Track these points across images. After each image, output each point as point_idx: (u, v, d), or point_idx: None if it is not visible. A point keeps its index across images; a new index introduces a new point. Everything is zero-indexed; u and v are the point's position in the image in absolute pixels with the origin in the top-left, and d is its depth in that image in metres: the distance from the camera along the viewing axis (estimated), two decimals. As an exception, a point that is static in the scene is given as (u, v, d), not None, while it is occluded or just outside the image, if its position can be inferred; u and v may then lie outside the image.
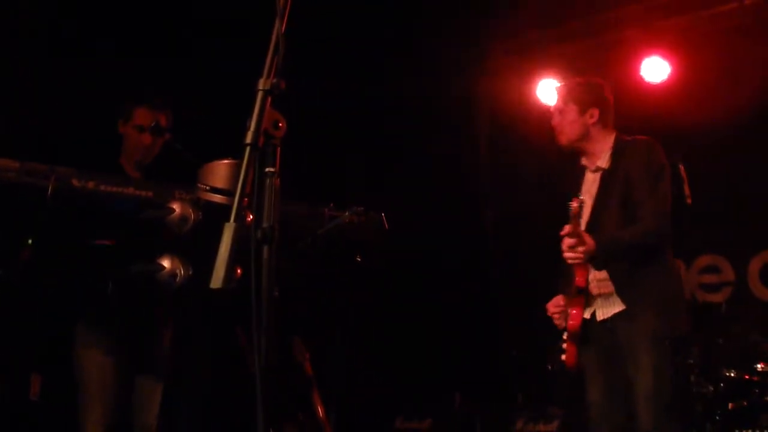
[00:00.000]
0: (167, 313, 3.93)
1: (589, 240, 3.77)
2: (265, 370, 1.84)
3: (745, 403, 4.89)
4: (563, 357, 4.02)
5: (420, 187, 6.49)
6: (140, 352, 3.87)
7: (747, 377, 5.02)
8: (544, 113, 6.85)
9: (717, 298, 6.51)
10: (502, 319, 7.43)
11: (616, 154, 4.06)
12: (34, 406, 4.40)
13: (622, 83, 6.39)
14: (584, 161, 4.19)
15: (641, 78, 6.49)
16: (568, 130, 4.15)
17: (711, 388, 5.05)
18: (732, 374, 5.04)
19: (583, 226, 3.92)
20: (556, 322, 4.08)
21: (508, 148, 7.50)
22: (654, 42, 6.51)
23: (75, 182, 2.85)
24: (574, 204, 3.77)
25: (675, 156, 4.90)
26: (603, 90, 4.21)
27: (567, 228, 3.77)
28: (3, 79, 4.35)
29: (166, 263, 2.98)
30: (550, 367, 4.16)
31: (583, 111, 4.11)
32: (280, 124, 1.93)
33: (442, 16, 6.13)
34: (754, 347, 5.22)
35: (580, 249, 3.77)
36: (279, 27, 1.92)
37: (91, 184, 2.87)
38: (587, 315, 3.98)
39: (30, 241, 3.19)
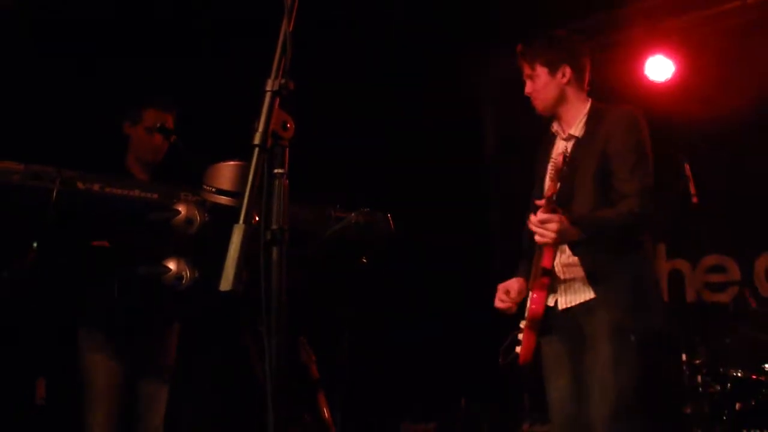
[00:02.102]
0: (173, 316, 3.91)
1: (566, 219, 3.32)
2: (276, 372, 1.82)
3: (753, 403, 4.86)
4: (518, 349, 3.64)
5: (426, 188, 6.47)
6: (145, 355, 3.86)
7: (754, 377, 4.99)
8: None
9: (723, 297, 6.49)
10: (507, 321, 7.41)
11: (591, 121, 3.66)
12: (39, 410, 4.39)
13: (626, 82, 6.39)
14: (555, 127, 3.81)
15: (645, 77, 6.47)
16: (542, 96, 3.75)
17: (718, 388, 5.03)
18: (739, 374, 5.02)
19: None
20: (500, 305, 3.74)
21: (514, 149, 7.48)
22: (658, 41, 6.49)
23: (80, 185, 2.84)
24: (559, 159, 3.34)
25: (680, 155, 4.87)
26: (573, 44, 3.79)
27: (543, 201, 3.37)
28: (7, 80, 4.34)
29: (172, 265, 2.97)
30: (501, 361, 3.73)
31: (553, 71, 3.70)
32: (289, 125, 1.92)
33: (447, 16, 6.11)
34: (761, 347, 5.20)
35: (553, 227, 3.29)
36: (286, 26, 1.90)
37: (96, 187, 2.86)
38: (551, 302, 3.60)
39: (34, 244, 3.18)
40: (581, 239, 3.39)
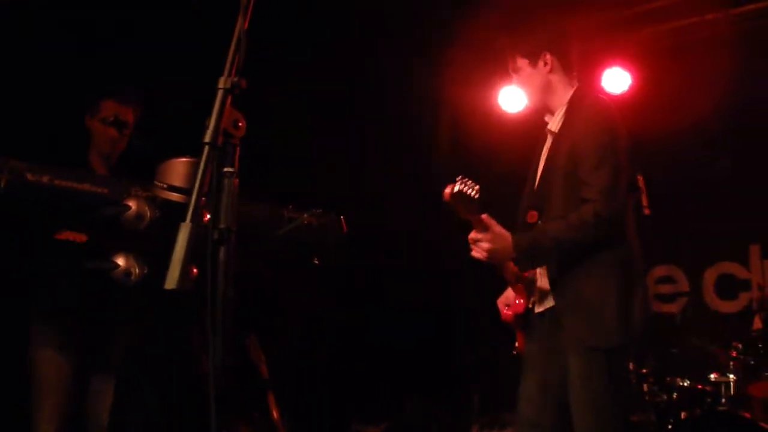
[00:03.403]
0: (122, 311, 3.88)
1: (501, 237, 3.23)
2: (218, 370, 1.82)
3: (699, 412, 4.94)
4: (517, 343, 3.61)
5: (380, 191, 6.49)
6: (94, 349, 3.82)
7: (700, 387, 5.08)
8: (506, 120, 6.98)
9: (672, 308, 6.59)
10: (458, 322, 7.44)
11: (567, 114, 3.42)
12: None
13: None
14: (547, 118, 3.55)
15: (602, 88, 6.54)
16: (526, 89, 3.54)
17: (665, 397, 5.11)
18: (686, 383, 5.10)
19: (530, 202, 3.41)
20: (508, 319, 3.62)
21: (469, 155, 7.51)
22: (615, 53, 6.57)
23: (29, 176, 2.80)
24: (446, 191, 3.12)
25: (634, 167, 4.92)
26: (552, 28, 3.55)
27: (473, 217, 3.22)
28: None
29: (120, 261, 2.94)
30: (514, 353, 3.67)
31: (534, 61, 3.47)
32: (240, 124, 1.91)
33: (405, 21, 6.13)
34: (707, 357, 5.28)
35: (483, 246, 3.22)
36: (241, 24, 1.89)
37: (45, 179, 2.82)
38: (530, 304, 3.51)
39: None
40: (520, 256, 3.27)
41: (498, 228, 3.26)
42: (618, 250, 3.28)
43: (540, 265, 3.38)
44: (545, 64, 3.47)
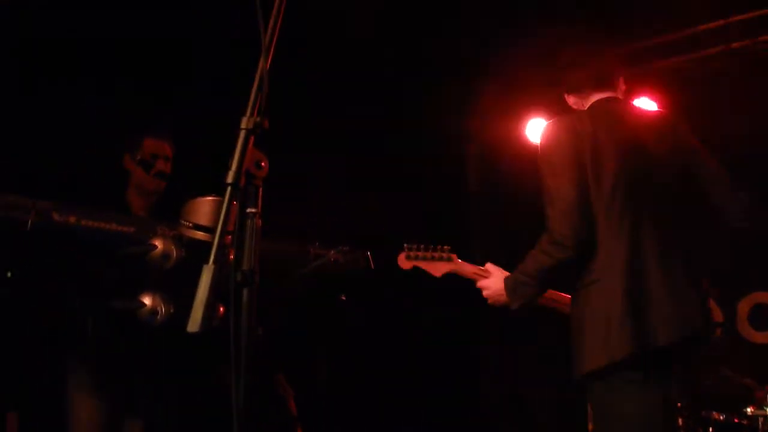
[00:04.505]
0: (149, 351, 3.86)
1: (496, 279, 3.36)
2: (242, 412, 1.80)
3: (734, 447, 4.85)
4: None
5: (407, 225, 6.46)
6: (124, 390, 3.80)
7: (736, 420, 4.97)
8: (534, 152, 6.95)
9: (706, 339, 6.48)
10: (485, 360, 7.38)
11: None
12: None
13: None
14: None
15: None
16: None
17: (700, 431, 5.01)
18: (721, 417, 5.00)
19: None
20: None
21: (497, 187, 7.50)
22: (642, 83, 6.54)
23: (55, 216, 2.81)
24: (399, 260, 3.43)
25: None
26: (565, 67, 3.58)
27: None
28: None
29: (147, 300, 2.95)
30: None
31: (567, 104, 3.56)
32: (263, 164, 1.90)
33: (432, 54, 6.14)
34: (743, 390, 5.18)
35: (484, 292, 3.40)
36: (263, 64, 1.89)
37: (72, 219, 2.84)
38: None
39: (9, 275, 3.14)
40: (510, 297, 3.27)
41: (496, 271, 3.43)
42: (590, 270, 3.13)
43: (528, 301, 3.28)
44: (569, 103, 3.55)
